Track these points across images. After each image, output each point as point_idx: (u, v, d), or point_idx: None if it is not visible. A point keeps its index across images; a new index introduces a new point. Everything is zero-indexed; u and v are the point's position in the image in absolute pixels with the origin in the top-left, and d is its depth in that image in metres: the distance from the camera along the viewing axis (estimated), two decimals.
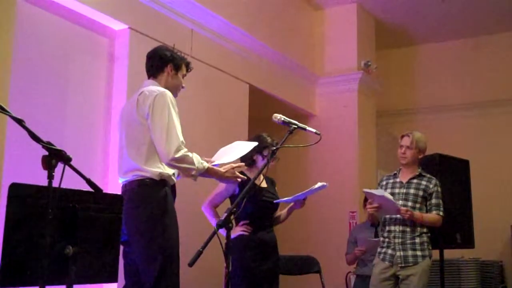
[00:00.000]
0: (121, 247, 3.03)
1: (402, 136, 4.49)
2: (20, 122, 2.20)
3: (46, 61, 4.09)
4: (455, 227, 4.99)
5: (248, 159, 4.11)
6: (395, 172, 4.55)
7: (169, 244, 3.17)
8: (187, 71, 3.55)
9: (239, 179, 3.43)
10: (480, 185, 6.12)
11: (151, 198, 3.18)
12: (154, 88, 3.30)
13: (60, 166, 2.26)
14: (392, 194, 4.40)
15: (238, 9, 5.97)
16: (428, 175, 4.47)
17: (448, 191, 4.92)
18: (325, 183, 4.06)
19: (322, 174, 7.18)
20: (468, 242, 5.15)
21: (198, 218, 4.55)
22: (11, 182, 2.34)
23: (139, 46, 4.65)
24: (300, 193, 4.09)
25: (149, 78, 3.49)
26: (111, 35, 4.61)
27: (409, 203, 4.34)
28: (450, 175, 5.04)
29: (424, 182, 4.41)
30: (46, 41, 4.09)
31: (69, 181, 2.34)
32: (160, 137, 3.13)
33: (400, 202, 4.35)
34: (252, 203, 4.01)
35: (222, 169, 3.33)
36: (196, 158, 3.19)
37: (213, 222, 4.11)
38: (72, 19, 4.27)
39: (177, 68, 3.47)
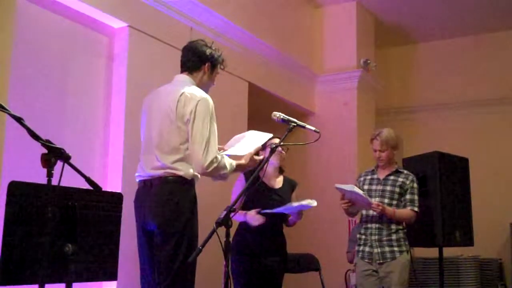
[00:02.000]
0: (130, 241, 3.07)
1: (372, 140, 4.50)
2: (19, 120, 2.20)
3: (46, 59, 4.08)
4: (454, 225, 4.99)
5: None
6: (373, 168, 4.58)
7: (193, 243, 3.18)
8: (221, 68, 3.51)
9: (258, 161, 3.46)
10: (480, 183, 6.12)
11: (185, 197, 3.19)
12: (195, 90, 3.26)
13: (59, 164, 2.26)
14: (369, 190, 4.44)
15: (237, 7, 5.97)
16: (406, 171, 4.50)
17: (447, 189, 4.92)
18: (314, 203, 4.04)
19: (321, 172, 7.20)
20: (467, 240, 5.15)
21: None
22: (10, 180, 2.34)
23: (139, 44, 4.65)
24: (285, 207, 4.06)
25: (182, 71, 3.42)
26: (111, 33, 4.61)
27: (386, 200, 4.36)
28: (449, 173, 5.03)
29: (400, 179, 4.43)
30: (46, 39, 4.09)
31: (69, 179, 2.34)
32: (199, 147, 3.12)
33: (377, 199, 4.36)
34: (261, 202, 4.02)
35: (243, 161, 3.36)
36: (227, 160, 3.22)
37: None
38: (71, 17, 4.27)
39: (213, 68, 3.44)
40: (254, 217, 4.01)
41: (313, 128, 3.29)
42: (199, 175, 3.25)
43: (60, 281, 2.44)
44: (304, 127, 3.28)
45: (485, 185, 7.11)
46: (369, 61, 7.42)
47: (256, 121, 5.81)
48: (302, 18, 7.43)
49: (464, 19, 7.85)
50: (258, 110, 5.75)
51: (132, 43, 4.60)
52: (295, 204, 4.07)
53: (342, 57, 7.44)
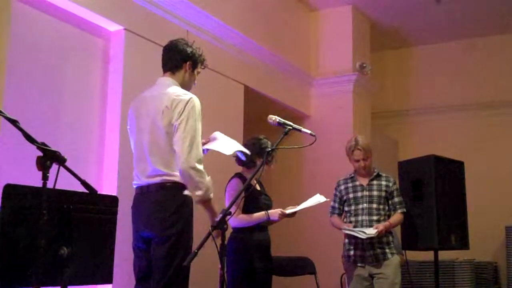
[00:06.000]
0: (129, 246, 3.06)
1: (352, 151, 4.60)
2: (14, 122, 2.20)
3: (41, 62, 4.07)
4: (450, 228, 5.00)
5: (250, 162, 4.11)
6: (352, 174, 4.65)
7: (189, 246, 3.18)
8: (201, 68, 3.51)
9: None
10: (475, 186, 6.13)
11: (182, 202, 3.19)
12: (179, 91, 3.25)
13: (54, 167, 2.26)
14: (355, 198, 4.56)
15: (233, 10, 5.97)
16: (385, 174, 4.64)
17: (443, 192, 4.93)
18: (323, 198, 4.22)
19: (317, 175, 7.19)
20: (462, 243, 5.16)
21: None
22: (5, 183, 2.34)
23: (134, 47, 4.64)
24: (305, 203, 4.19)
25: (165, 72, 3.43)
26: (106, 36, 4.60)
27: (374, 205, 4.49)
28: (445, 176, 5.05)
29: (384, 182, 4.57)
30: (41, 42, 4.08)
31: (64, 182, 2.33)
32: (183, 145, 3.10)
33: (365, 205, 4.49)
34: (254, 207, 4.03)
35: (216, 211, 3.24)
36: (211, 182, 3.18)
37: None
38: (67, 20, 4.26)
39: (194, 66, 3.43)
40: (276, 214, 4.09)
41: (309, 131, 3.30)
42: None
43: (55, 284, 2.44)
44: (300, 130, 3.29)
45: (481, 189, 7.13)
46: (364, 65, 7.43)
47: (252, 124, 5.81)
48: (298, 22, 7.44)
49: (458, 23, 7.88)
50: (254, 113, 5.75)
51: (128, 46, 4.59)
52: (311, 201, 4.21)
53: (337, 60, 7.45)
